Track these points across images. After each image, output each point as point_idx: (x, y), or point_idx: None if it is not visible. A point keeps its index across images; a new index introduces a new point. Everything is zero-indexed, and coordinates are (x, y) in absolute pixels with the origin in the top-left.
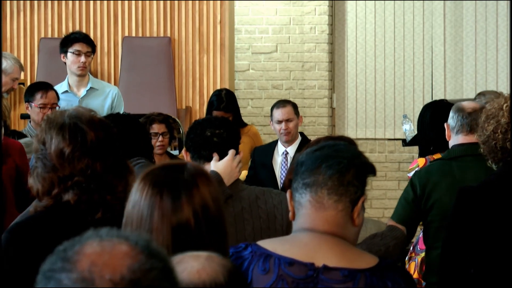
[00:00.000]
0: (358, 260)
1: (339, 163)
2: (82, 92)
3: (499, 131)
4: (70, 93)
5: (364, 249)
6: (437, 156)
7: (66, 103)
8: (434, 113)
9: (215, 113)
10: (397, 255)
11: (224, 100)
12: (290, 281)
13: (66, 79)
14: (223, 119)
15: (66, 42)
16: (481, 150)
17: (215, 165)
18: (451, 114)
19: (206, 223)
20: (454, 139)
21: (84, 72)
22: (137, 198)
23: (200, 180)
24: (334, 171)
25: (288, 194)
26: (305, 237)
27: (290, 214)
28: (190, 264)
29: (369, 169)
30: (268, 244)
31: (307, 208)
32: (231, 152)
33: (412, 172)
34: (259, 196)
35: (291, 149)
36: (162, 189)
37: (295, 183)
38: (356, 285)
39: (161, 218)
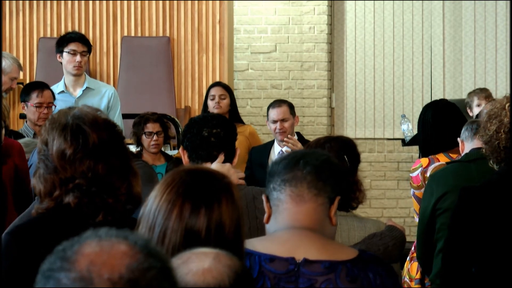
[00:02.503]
0: (339, 253)
1: (317, 159)
2: (78, 92)
3: (502, 130)
4: (67, 93)
5: (363, 249)
6: (440, 155)
7: (63, 103)
8: (435, 113)
9: (212, 90)
10: (396, 255)
11: (220, 82)
12: (271, 276)
13: (62, 79)
14: (220, 117)
15: (62, 42)
16: (483, 150)
17: (215, 167)
18: (463, 129)
19: (217, 241)
20: (470, 145)
21: (80, 71)
22: (158, 197)
23: (225, 197)
24: (312, 166)
25: (264, 198)
26: (285, 234)
27: (266, 216)
28: (196, 265)
29: (343, 172)
30: (248, 244)
31: (287, 202)
32: (229, 163)
33: (415, 173)
34: (256, 197)
35: (287, 149)
36: (185, 195)
37: (272, 183)
38: (337, 276)
39: (179, 219)
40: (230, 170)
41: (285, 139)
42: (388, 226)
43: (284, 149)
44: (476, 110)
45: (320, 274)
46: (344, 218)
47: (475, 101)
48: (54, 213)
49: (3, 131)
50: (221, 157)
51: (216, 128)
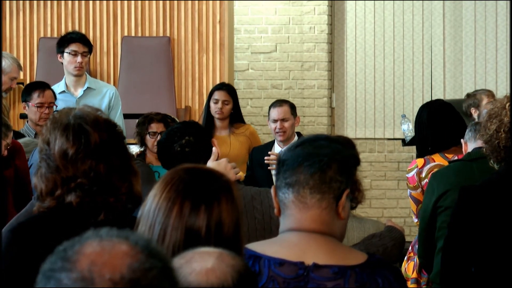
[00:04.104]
0: (348, 257)
1: (320, 161)
2: (79, 92)
3: (502, 130)
4: (67, 93)
5: (362, 249)
6: (436, 156)
7: (64, 103)
8: (431, 113)
9: (216, 94)
10: (395, 256)
11: (225, 84)
12: (280, 281)
13: (63, 79)
14: (181, 126)
15: (63, 42)
16: (484, 149)
17: (210, 164)
18: (467, 131)
19: (216, 240)
20: (473, 146)
21: (81, 72)
22: (157, 196)
23: (225, 196)
24: (315, 169)
25: (272, 191)
26: (293, 237)
27: (275, 210)
28: (199, 265)
29: (353, 162)
30: (257, 247)
31: (291, 208)
32: (225, 159)
33: (411, 173)
34: (255, 197)
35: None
36: (184, 194)
37: (278, 181)
38: (346, 281)
39: (179, 217)
40: (227, 166)
41: (265, 160)
42: (387, 227)
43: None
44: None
45: (329, 279)
46: None
47: (485, 99)
48: (55, 212)
49: (11, 134)
50: (215, 153)
51: (184, 138)
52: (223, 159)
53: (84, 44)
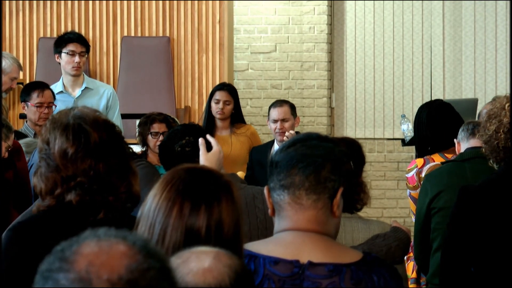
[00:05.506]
0: (343, 255)
1: (314, 162)
2: (77, 92)
3: (501, 130)
4: (65, 93)
5: (366, 249)
6: (436, 156)
7: (61, 103)
8: (430, 113)
9: (217, 94)
10: (399, 257)
11: (226, 84)
12: (276, 279)
13: (60, 80)
14: (183, 128)
15: (60, 42)
16: (483, 150)
17: (206, 159)
18: (460, 130)
19: (216, 240)
20: (466, 145)
21: (79, 72)
22: (157, 195)
23: (225, 196)
24: (310, 171)
25: (265, 191)
26: (288, 236)
27: (269, 211)
28: (196, 265)
29: (346, 159)
30: (252, 246)
31: (287, 210)
32: (214, 145)
33: (410, 173)
34: (257, 196)
35: None
36: (184, 194)
37: (271, 182)
38: (342, 279)
39: (179, 217)
40: (219, 158)
41: (285, 137)
42: (393, 227)
43: None
44: None
45: (324, 277)
46: (348, 220)
47: None
48: (55, 211)
49: (12, 136)
50: (203, 143)
51: (184, 138)
52: (215, 149)
53: (82, 44)
